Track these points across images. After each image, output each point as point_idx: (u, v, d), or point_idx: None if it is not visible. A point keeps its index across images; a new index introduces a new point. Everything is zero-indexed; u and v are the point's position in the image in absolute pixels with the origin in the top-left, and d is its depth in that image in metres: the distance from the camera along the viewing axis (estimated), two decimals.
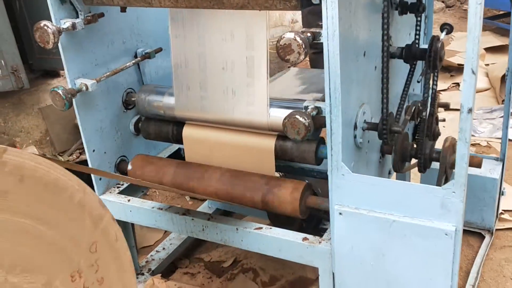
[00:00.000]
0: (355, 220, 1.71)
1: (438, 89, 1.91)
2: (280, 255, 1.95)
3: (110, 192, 2.28)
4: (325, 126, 1.67)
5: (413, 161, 2.03)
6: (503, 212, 2.87)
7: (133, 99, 2.26)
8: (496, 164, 2.59)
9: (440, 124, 2.18)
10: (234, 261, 2.71)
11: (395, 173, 2.19)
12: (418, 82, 2.20)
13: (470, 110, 1.43)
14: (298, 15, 5.62)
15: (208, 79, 1.98)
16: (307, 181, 1.97)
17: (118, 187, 2.30)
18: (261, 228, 1.96)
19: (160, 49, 2.34)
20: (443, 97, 2.34)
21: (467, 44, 1.37)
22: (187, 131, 2.12)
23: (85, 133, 2.13)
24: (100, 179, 2.25)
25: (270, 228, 1.96)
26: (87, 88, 2.01)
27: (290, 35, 1.53)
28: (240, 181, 1.97)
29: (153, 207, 2.16)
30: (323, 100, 1.78)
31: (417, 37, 2.03)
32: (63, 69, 2.02)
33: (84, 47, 2.05)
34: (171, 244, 2.76)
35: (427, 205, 1.59)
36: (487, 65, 4.85)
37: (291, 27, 5.78)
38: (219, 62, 1.94)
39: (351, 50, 1.65)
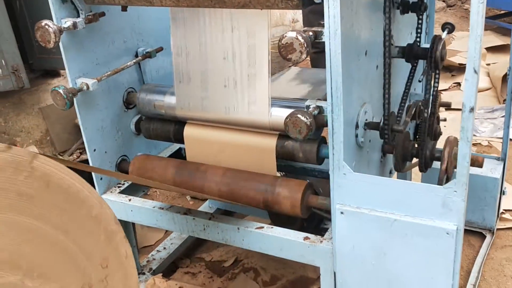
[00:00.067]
0: (357, 219, 1.70)
1: (439, 88, 1.91)
2: (281, 254, 1.95)
3: (111, 192, 2.28)
4: (326, 126, 1.67)
5: (414, 160, 2.03)
6: (504, 211, 2.87)
7: (134, 98, 2.26)
8: (497, 163, 2.58)
9: (441, 123, 2.18)
10: (235, 260, 2.71)
11: (396, 173, 2.18)
12: (419, 81, 2.19)
13: (472, 109, 1.43)
14: (298, 14, 5.61)
15: (209, 78, 1.98)
16: (308, 180, 1.96)
17: (119, 187, 2.30)
18: (262, 227, 1.96)
19: (161, 48, 2.33)
20: (444, 97, 2.35)
21: (469, 42, 1.37)
22: (188, 131, 2.11)
23: (86, 132, 2.13)
24: (101, 178, 2.25)
25: (271, 227, 1.96)
26: (88, 88, 2.01)
27: (292, 34, 1.53)
28: (242, 180, 1.97)
29: (154, 207, 2.16)
30: (324, 99, 1.78)
31: (418, 36, 2.02)
32: (63, 69, 2.02)
33: (85, 46, 2.05)
34: (172, 243, 2.76)
35: (429, 204, 1.59)
36: (488, 64, 4.84)
37: (291, 26, 5.78)
38: (219, 60, 1.94)
39: (353, 49, 1.64)
